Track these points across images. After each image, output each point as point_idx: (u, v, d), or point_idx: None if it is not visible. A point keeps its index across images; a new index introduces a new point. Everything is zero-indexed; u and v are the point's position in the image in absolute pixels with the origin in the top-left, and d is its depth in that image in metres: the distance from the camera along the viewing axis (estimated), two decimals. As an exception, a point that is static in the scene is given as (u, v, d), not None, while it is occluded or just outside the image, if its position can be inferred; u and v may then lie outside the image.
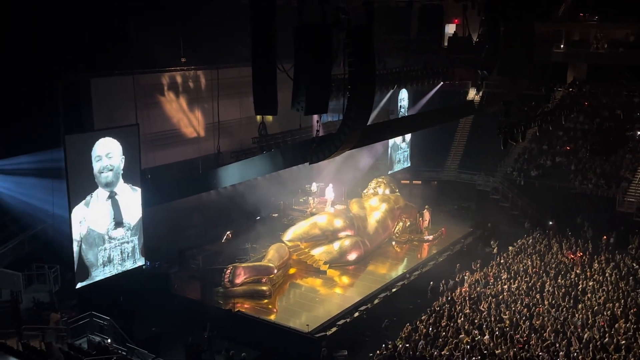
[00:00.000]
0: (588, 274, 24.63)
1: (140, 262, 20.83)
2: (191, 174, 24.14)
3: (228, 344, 20.60)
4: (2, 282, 20.57)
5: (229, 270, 23.63)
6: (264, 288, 23.73)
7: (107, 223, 19.59)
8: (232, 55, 24.89)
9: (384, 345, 19.96)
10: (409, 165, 36.19)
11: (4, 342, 17.05)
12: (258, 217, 29.45)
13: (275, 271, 24.64)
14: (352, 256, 26.96)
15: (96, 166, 18.90)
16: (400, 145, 35.06)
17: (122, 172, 19.58)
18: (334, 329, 21.36)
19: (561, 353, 18.48)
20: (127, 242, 20.31)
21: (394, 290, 24.70)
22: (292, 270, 26.32)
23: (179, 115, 27.02)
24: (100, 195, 19.22)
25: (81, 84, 22.70)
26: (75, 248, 18.66)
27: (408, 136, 35.45)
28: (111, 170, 19.35)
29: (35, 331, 18.66)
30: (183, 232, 26.67)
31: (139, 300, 22.32)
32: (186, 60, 25.26)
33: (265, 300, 23.48)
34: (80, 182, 18.52)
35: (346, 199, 32.00)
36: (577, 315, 20.90)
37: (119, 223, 19.87)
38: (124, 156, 19.53)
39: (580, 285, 23.33)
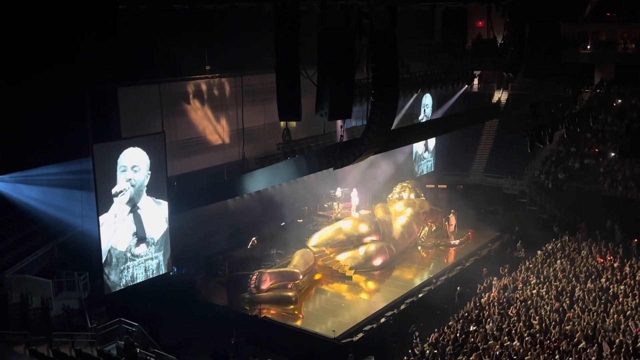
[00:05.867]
0: (619, 277, 24.17)
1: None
2: (216, 181, 24.25)
3: (254, 350, 20.67)
4: (32, 289, 20.89)
5: (255, 276, 23.71)
6: (290, 294, 23.74)
7: (128, 240, 18.91)
8: (256, 62, 25.00)
9: (410, 351, 19.80)
10: (432, 170, 35.94)
11: (35, 348, 17.32)
12: (283, 223, 29.52)
13: (301, 277, 24.65)
14: (377, 261, 26.83)
15: (120, 177, 18.40)
16: (423, 155, 34.77)
17: (145, 188, 19.10)
18: (360, 335, 21.30)
19: (593, 358, 18.13)
20: (152, 259, 19.77)
21: (420, 295, 24.54)
22: (317, 276, 26.30)
23: (204, 123, 27.21)
24: (121, 209, 18.61)
25: (108, 94, 22.99)
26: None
27: (431, 145, 35.19)
28: (133, 185, 18.62)
29: (65, 338, 18.88)
30: (209, 238, 26.84)
31: (166, 306, 22.50)
32: (211, 68, 25.42)
33: (291, 306, 23.52)
34: (107, 191, 18.46)
35: (371, 203, 31.89)
36: (608, 320, 20.50)
37: (141, 239, 19.22)
38: (150, 172, 19.05)
39: (612, 290, 22.89)
